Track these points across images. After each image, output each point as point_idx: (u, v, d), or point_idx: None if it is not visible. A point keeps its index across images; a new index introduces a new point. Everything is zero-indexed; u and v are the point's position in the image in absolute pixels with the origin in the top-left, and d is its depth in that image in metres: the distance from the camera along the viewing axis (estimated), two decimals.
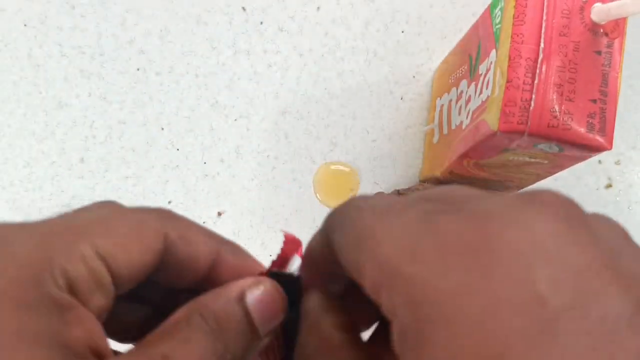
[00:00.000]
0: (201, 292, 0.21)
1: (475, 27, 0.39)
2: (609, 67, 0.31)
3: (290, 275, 0.22)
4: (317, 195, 0.49)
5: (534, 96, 0.31)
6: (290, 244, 0.23)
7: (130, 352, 0.19)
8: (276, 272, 0.22)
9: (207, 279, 0.22)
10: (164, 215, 0.21)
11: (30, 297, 0.17)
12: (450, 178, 0.43)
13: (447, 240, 0.14)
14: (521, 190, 0.17)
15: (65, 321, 0.17)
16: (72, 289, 0.18)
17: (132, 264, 0.19)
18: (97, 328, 0.18)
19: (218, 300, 0.20)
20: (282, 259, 0.23)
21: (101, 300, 0.19)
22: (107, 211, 0.20)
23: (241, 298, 0.20)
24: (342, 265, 0.18)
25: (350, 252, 0.17)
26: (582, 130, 0.31)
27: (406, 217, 0.16)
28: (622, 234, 0.16)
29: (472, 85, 0.38)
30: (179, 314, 0.20)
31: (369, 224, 0.17)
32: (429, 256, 0.14)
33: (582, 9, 0.31)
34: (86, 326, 0.17)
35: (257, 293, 0.21)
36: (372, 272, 0.16)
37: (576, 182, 0.50)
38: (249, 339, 0.20)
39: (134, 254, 0.19)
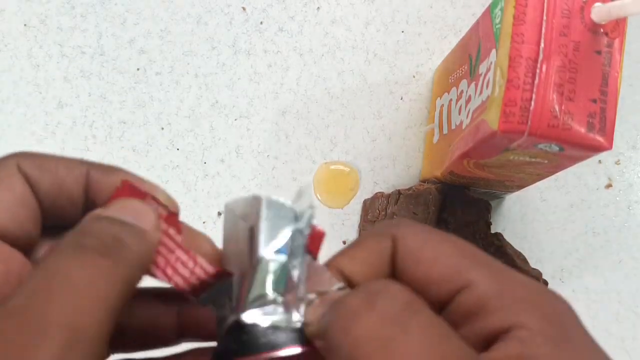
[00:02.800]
0: None
1: (475, 27, 0.39)
2: (609, 66, 0.31)
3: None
4: (317, 195, 0.49)
5: (534, 96, 0.31)
6: (317, 239, 0.22)
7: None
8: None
9: (92, 207, 0.21)
10: (13, 155, 0.21)
11: None
12: (450, 178, 0.43)
13: None
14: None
15: None
16: None
17: (10, 209, 0.19)
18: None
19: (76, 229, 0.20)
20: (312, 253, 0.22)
21: None
22: None
23: (98, 215, 0.20)
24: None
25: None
26: (582, 130, 0.31)
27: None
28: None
29: (472, 85, 0.38)
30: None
31: None
32: None
33: (582, 8, 0.31)
34: None
35: (111, 207, 0.20)
36: None
37: (576, 182, 0.50)
38: (135, 232, 0.20)
39: (8, 202, 0.19)
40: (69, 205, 0.21)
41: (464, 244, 0.20)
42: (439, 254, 0.19)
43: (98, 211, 0.20)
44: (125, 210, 0.20)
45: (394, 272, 0.20)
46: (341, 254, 0.21)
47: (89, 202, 0.21)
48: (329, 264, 0.21)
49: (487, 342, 0.18)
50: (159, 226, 0.21)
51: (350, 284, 0.20)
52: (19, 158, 0.20)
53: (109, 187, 0.21)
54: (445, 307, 0.19)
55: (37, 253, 0.21)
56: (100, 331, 0.17)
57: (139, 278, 0.19)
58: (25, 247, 0.20)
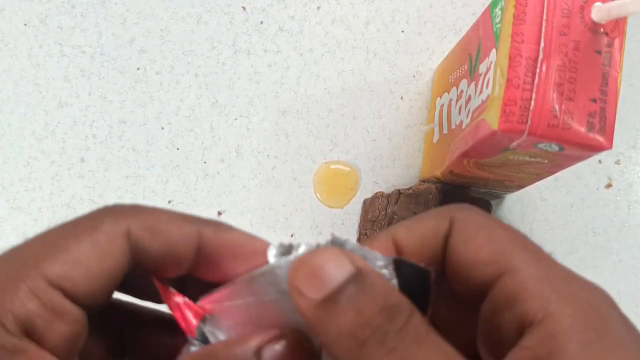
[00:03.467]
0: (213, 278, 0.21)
1: (475, 27, 0.39)
2: (609, 66, 0.31)
3: (420, 269, 0.20)
4: (317, 195, 0.49)
5: (534, 95, 0.31)
6: None
7: None
8: (403, 260, 0.20)
9: (200, 265, 0.21)
10: (123, 213, 0.20)
11: None
12: (450, 177, 0.43)
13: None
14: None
15: None
16: (27, 328, 0.17)
17: (93, 278, 0.18)
18: None
19: (231, 350, 0.19)
20: None
21: (64, 328, 0.18)
22: (56, 232, 0.19)
23: (258, 352, 0.19)
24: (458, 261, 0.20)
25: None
26: (582, 129, 0.31)
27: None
28: None
29: (472, 84, 0.38)
30: None
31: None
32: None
33: (582, 8, 0.31)
34: None
35: (278, 349, 0.20)
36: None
37: (576, 181, 0.50)
38: None
39: (92, 268, 0.18)
40: (175, 265, 0.21)
41: (516, 232, 0.20)
42: (490, 238, 0.20)
43: (258, 344, 0.20)
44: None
45: (445, 250, 0.21)
46: (399, 225, 0.22)
47: (199, 263, 0.21)
48: (385, 232, 0.22)
49: (521, 328, 0.18)
50: None
51: (399, 252, 0.21)
52: (131, 220, 0.19)
53: (219, 247, 0.21)
54: (487, 290, 0.20)
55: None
56: None
57: None
58: (87, 308, 0.20)
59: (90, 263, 0.18)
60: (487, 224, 0.20)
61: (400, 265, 0.20)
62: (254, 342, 0.19)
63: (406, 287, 0.20)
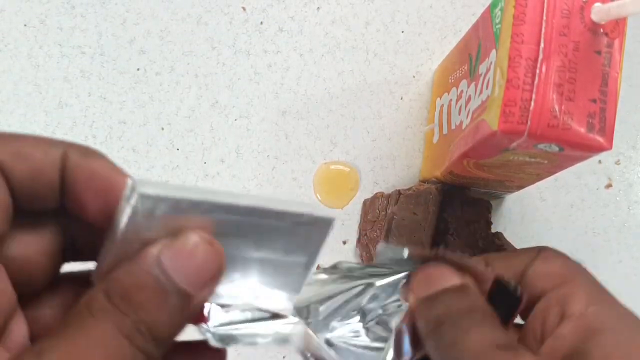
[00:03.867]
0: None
1: (475, 27, 0.39)
2: (609, 67, 0.31)
3: (513, 290, 0.25)
4: (317, 195, 0.49)
5: (534, 96, 0.31)
6: None
7: (21, 351, 0.19)
8: (502, 280, 0.25)
9: (68, 194, 0.21)
10: None
11: None
12: (450, 178, 0.43)
13: None
14: None
15: None
16: None
17: None
18: None
19: (129, 271, 0.19)
20: None
21: None
22: None
23: (156, 260, 0.19)
24: None
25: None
26: (582, 130, 0.31)
27: None
28: None
29: (472, 85, 0.38)
30: (85, 297, 0.19)
31: None
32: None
33: (582, 8, 0.31)
34: None
35: (177, 248, 0.19)
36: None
37: (576, 182, 0.50)
38: (177, 302, 0.19)
39: None
40: (45, 189, 0.20)
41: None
42: (560, 262, 0.27)
43: (156, 253, 0.19)
44: (180, 262, 0.19)
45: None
46: (498, 257, 0.29)
47: (66, 185, 0.21)
48: (485, 259, 0.28)
49: None
50: (220, 275, 0.20)
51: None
52: None
53: (86, 173, 0.20)
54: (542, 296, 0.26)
55: (8, 246, 0.20)
56: None
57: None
58: None
59: None
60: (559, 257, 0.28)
61: (498, 283, 0.25)
62: (153, 251, 0.19)
63: (496, 301, 0.25)
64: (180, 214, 0.19)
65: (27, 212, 0.21)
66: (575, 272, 0.26)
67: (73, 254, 0.22)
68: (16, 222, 0.21)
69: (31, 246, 0.21)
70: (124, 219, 0.19)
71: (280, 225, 0.21)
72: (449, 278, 0.25)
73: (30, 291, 0.21)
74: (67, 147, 0.21)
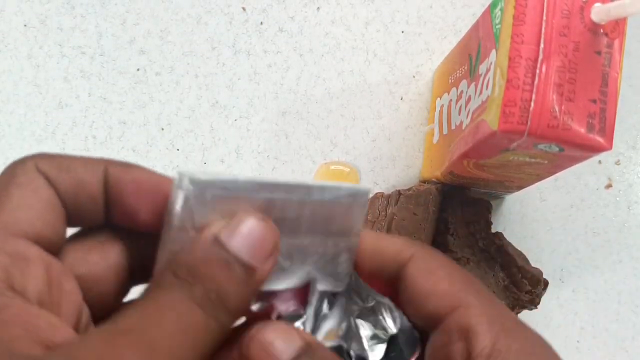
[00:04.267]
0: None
1: (475, 28, 0.39)
2: (609, 67, 0.31)
3: (413, 330, 0.24)
4: None
5: (534, 96, 0.31)
6: None
7: (92, 332, 0.19)
8: (404, 317, 0.24)
9: (112, 207, 0.21)
10: (28, 157, 0.20)
11: None
12: (450, 178, 0.43)
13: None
14: None
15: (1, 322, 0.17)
16: (7, 283, 0.18)
17: (40, 213, 0.19)
18: (35, 313, 0.18)
19: (191, 250, 0.20)
20: None
21: (40, 273, 0.19)
22: None
23: (216, 240, 0.20)
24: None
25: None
26: (582, 130, 0.31)
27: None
28: None
29: (472, 85, 0.38)
30: (154, 278, 0.20)
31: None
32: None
33: (582, 9, 0.31)
34: (23, 320, 0.17)
35: (234, 227, 0.20)
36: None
37: (576, 182, 0.50)
38: (242, 274, 0.20)
39: (34, 205, 0.19)
40: (90, 203, 0.21)
41: (472, 277, 0.24)
42: (449, 275, 0.23)
43: (214, 233, 0.20)
44: (241, 238, 0.20)
45: (398, 277, 0.23)
46: (366, 234, 0.25)
47: (110, 200, 0.21)
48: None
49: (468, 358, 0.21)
50: (277, 250, 0.21)
51: (359, 260, 0.24)
52: (37, 160, 0.20)
53: (128, 184, 0.21)
54: (440, 320, 0.22)
55: (64, 255, 0.21)
56: None
57: (233, 322, 0.20)
58: (57, 251, 0.20)
59: (29, 202, 0.19)
60: (447, 264, 0.23)
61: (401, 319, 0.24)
62: (211, 230, 0.20)
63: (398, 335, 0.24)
64: (229, 196, 0.20)
65: (78, 227, 0.21)
66: (465, 287, 0.22)
67: (142, 274, 0.23)
68: (78, 240, 0.21)
69: (97, 263, 0.21)
70: (177, 207, 0.20)
71: (322, 203, 0.22)
72: (287, 339, 0.21)
73: (99, 309, 0.21)
74: (107, 162, 0.21)
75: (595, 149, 0.31)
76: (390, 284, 0.24)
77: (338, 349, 0.23)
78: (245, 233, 0.20)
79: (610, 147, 0.31)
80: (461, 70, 0.41)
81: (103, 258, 0.21)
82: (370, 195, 0.24)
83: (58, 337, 0.18)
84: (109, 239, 0.22)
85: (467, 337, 0.21)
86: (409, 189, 0.45)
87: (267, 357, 0.20)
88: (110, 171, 0.21)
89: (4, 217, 0.19)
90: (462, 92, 0.40)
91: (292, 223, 0.22)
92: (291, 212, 0.22)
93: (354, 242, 0.24)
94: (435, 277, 0.23)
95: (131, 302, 0.20)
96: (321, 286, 0.24)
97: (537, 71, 0.31)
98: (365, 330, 0.24)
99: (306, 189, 0.22)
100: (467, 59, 0.40)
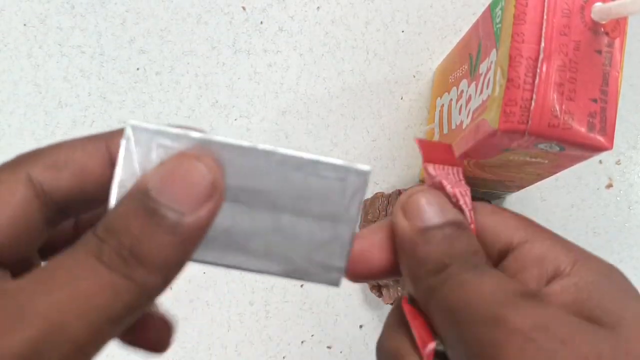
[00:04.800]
0: None
1: (475, 27, 0.39)
2: (610, 66, 0.31)
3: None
4: None
5: (534, 96, 0.31)
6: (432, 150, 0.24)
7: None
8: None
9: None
10: (21, 162, 0.20)
11: None
12: None
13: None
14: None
15: None
16: None
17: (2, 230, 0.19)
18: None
19: (118, 204, 0.18)
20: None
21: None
22: None
23: (140, 187, 0.18)
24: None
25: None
26: (583, 129, 0.31)
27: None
28: None
29: (473, 84, 0.38)
30: None
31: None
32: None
33: (582, 8, 0.31)
34: None
35: (161, 170, 0.18)
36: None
37: (576, 182, 0.50)
38: (168, 224, 0.18)
39: None
40: (99, 188, 0.20)
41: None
42: (515, 215, 0.23)
43: (138, 185, 0.18)
44: (167, 182, 0.18)
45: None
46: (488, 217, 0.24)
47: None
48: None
49: (550, 280, 0.21)
50: (218, 194, 0.19)
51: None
52: (30, 166, 0.19)
53: None
54: (509, 251, 0.22)
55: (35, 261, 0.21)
56: (89, 335, 0.17)
57: (160, 290, 0.18)
58: (18, 262, 0.19)
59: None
60: (509, 210, 0.24)
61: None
62: (141, 179, 0.19)
63: None
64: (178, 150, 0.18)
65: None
66: (532, 222, 0.22)
67: None
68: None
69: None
70: (119, 158, 0.18)
71: (304, 178, 0.20)
72: (447, 211, 0.22)
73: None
74: (107, 138, 0.20)
75: (596, 149, 0.31)
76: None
77: None
78: (173, 175, 0.18)
79: (611, 147, 0.31)
80: (461, 69, 0.41)
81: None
82: (368, 181, 0.21)
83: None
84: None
85: (543, 263, 0.21)
86: (409, 189, 0.45)
87: (422, 213, 0.21)
88: (112, 148, 0.20)
89: None
90: (462, 91, 0.40)
91: (260, 195, 0.20)
92: (259, 181, 0.19)
93: (346, 231, 0.21)
94: (503, 215, 0.23)
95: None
96: (309, 279, 0.21)
97: (538, 70, 0.31)
98: None
99: (281, 157, 0.19)
100: (468, 58, 0.40)
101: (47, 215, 0.20)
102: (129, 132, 0.18)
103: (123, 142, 0.19)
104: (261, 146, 0.19)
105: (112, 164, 0.20)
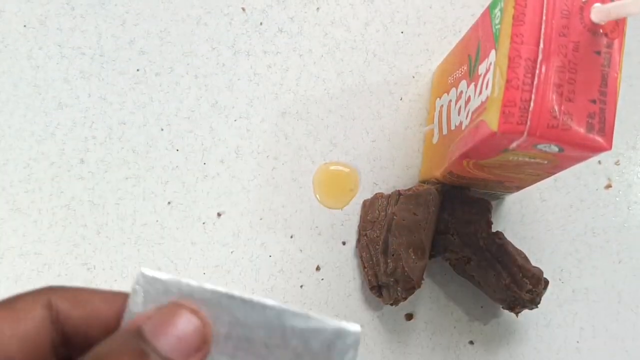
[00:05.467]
0: None
1: (474, 28, 0.39)
2: (609, 67, 0.31)
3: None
4: (317, 195, 0.49)
5: (533, 96, 0.31)
6: None
7: None
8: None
9: None
10: (47, 290, 0.21)
11: None
12: (450, 178, 0.43)
13: None
14: None
15: None
16: None
17: (8, 344, 0.19)
18: None
19: (109, 340, 0.19)
20: None
21: None
22: None
23: (137, 330, 0.19)
24: None
25: None
26: (582, 130, 0.31)
27: None
28: None
29: (472, 85, 0.38)
30: None
31: None
32: None
33: (581, 9, 0.31)
34: None
35: (158, 317, 0.20)
36: None
37: (576, 182, 0.50)
38: None
39: (5, 332, 0.19)
40: (103, 331, 0.21)
41: None
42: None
43: (137, 322, 0.20)
44: (162, 329, 0.19)
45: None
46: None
47: None
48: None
49: None
50: (207, 347, 0.20)
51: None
52: (53, 292, 0.21)
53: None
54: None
55: None
56: None
57: None
58: None
59: (4, 327, 0.19)
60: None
61: None
62: (135, 321, 0.20)
63: None
64: (181, 298, 0.20)
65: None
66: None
67: None
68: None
69: None
70: (129, 304, 0.20)
71: (292, 333, 0.20)
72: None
73: None
74: (126, 296, 0.21)
75: (595, 149, 0.31)
76: None
77: None
78: (169, 324, 0.19)
79: (610, 148, 0.31)
80: (461, 70, 0.41)
81: None
82: (358, 342, 0.21)
83: None
84: None
85: None
86: (409, 189, 0.45)
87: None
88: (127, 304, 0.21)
89: None
90: (461, 92, 0.40)
91: (248, 345, 0.20)
92: (249, 332, 0.20)
93: None
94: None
95: None
96: None
97: (537, 71, 0.31)
98: None
99: (276, 312, 0.20)
100: (467, 59, 0.40)
101: (54, 342, 0.20)
102: (139, 278, 0.20)
103: (133, 287, 0.20)
104: (246, 296, 0.20)
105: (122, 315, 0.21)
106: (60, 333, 0.20)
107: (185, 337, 0.19)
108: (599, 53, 0.31)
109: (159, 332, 0.19)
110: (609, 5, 0.30)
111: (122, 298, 0.21)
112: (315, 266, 0.47)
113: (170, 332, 0.19)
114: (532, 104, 0.31)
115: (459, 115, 0.40)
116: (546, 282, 0.45)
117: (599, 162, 0.50)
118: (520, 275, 0.43)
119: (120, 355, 0.18)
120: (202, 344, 0.20)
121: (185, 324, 0.19)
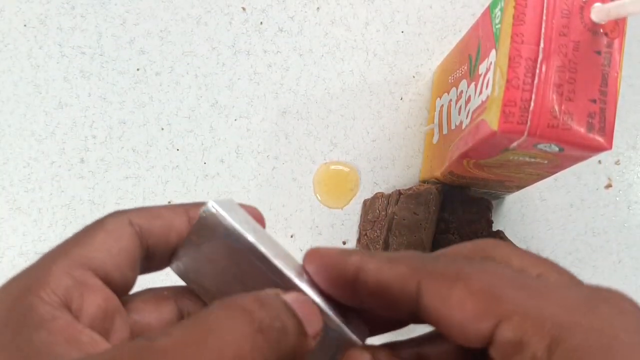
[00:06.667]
0: None
1: (475, 27, 0.39)
2: (609, 67, 0.31)
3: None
4: (317, 195, 0.49)
5: (533, 96, 0.31)
6: None
7: (128, 343, 0.19)
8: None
9: None
10: (121, 212, 0.23)
11: (10, 315, 0.19)
12: (450, 178, 0.43)
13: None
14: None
15: (43, 329, 0.19)
16: (64, 301, 0.20)
17: (113, 257, 0.22)
18: (80, 329, 0.20)
19: (253, 294, 0.20)
20: None
21: (98, 302, 0.21)
22: (71, 236, 0.22)
23: (277, 294, 0.21)
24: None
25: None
26: (582, 130, 0.31)
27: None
28: None
29: (472, 85, 0.38)
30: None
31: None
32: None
33: (581, 9, 0.31)
34: (68, 331, 0.19)
35: (291, 294, 0.21)
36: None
37: (576, 182, 0.50)
38: (297, 337, 0.20)
39: (110, 249, 0.22)
40: (180, 239, 0.24)
41: (494, 265, 0.21)
42: (468, 289, 0.19)
43: (279, 291, 0.21)
44: (303, 307, 0.21)
45: (421, 311, 0.20)
46: (371, 256, 0.22)
47: None
48: (358, 256, 0.22)
49: None
50: (317, 337, 0.22)
51: (361, 285, 0.23)
52: (131, 214, 0.23)
53: None
54: (489, 340, 0.19)
55: (129, 301, 0.23)
56: None
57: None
58: (122, 291, 0.23)
59: (108, 246, 0.22)
60: (455, 272, 0.20)
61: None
62: (269, 290, 0.21)
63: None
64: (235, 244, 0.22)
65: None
66: (495, 293, 0.19)
67: None
68: (144, 292, 0.24)
69: (151, 312, 0.24)
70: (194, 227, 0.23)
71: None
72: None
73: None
74: (187, 208, 0.24)
75: (595, 149, 0.31)
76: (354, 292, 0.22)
77: None
78: (309, 305, 0.22)
79: (610, 147, 0.31)
80: (461, 70, 0.41)
81: (157, 310, 0.24)
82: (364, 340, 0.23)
83: (97, 350, 0.19)
84: (167, 296, 0.24)
85: (523, 349, 0.18)
86: (409, 189, 0.45)
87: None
88: (191, 215, 0.24)
89: (81, 252, 0.21)
90: (462, 92, 0.40)
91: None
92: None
93: None
94: (454, 302, 0.19)
95: None
96: None
97: (537, 71, 0.31)
98: None
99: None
100: (467, 59, 0.40)
101: (142, 254, 0.23)
102: (207, 206, 0.23)
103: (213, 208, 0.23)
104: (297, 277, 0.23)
105: (190, 225, 0.24)
106: (145, 246, 0.23)
107: (318, 320, 0.22)
108: (599, 53, 0.31)
109: (304, 310, 0.21)
110: (609, 5, 0.30)
111: (184, 210, 0.24)
112: None
113: (311, 312, 0.22)
114: (532, 103, 0.31)
115: (459, 114, 0.40)
116: None
117: (599, 161, 0.50)
118: None
119: (273, 307, 0.20)
120: (320, 327, 0.22)
121: (315, 309, 0.22)
